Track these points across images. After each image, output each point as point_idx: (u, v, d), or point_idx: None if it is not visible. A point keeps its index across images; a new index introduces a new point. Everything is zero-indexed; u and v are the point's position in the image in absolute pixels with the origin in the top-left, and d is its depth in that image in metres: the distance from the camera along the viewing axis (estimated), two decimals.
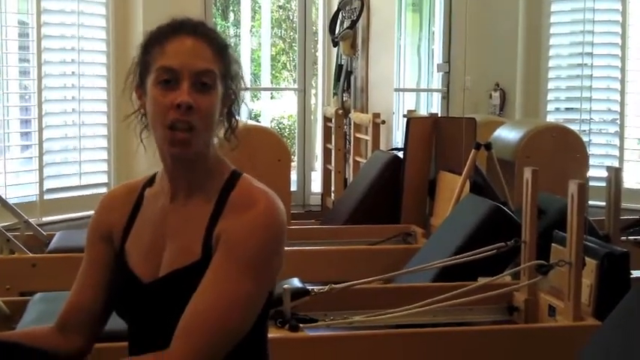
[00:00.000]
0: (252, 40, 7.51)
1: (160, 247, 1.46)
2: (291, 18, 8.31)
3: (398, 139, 5.25)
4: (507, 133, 4.30)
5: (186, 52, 1.42)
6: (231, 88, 1.49)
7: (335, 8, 5.63)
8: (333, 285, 2.69)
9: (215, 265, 1.38)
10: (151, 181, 1.56)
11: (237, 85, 1.50)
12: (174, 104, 1.39)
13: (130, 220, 1.53)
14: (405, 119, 4.69)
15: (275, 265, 1.41)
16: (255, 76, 7.42)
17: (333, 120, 5.57)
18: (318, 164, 6.18)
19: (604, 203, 3.48)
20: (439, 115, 5.02)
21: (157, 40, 1.45)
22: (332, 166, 5.58)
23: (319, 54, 6.19)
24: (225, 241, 1.39)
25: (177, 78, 1.40)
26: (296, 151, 6.03)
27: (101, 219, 1.56)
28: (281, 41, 8.70)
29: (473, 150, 3.84)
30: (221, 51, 1.46)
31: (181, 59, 1.41)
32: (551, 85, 5.15)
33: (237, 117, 1.51)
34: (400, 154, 4.51)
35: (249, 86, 1.49)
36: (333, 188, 5.58)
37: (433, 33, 5.81)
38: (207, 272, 1.38)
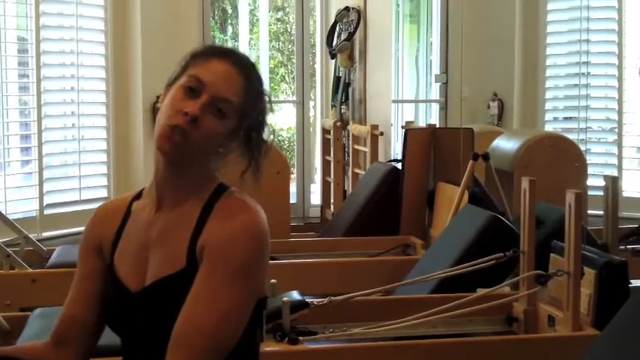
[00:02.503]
0: (251, 53, 7.54)
1: (146, 256, 1.48)
2: (289, 31, 8.35)
3: (396, 150, 5.26)
4: (505, 143, 4.31)
5: (220, 74, 1.46)
6: (251, 131, 1.51)
7: (332, 21, 5.65)
8: (332, 297, 2.69)
9: (202, 274, 1.40)
10: (138, 195, 1.58)
11: (259, 133, 1.53)
12: (184, 110, 1.42)
13: (118, 232, 1.55)
14: (404, 130, 4.71)
15: (261, 271, 1.44)
16: None
17: (331, 132, 5.58)
18: (318, 176, 6.19)
19: (602, 212, 3.48)
20: (437, 126, 5.03)
21: (205, 53, 1.50)
22: (331, 178, 5.59)
23: (317, 66, 6.22)
24: (211, 251, 1.41)
25: (200, 90, 1.44)
26: (295, 163, 6.04)
27: (91, 233, 1.59)
28: (279, 54, 8.73)
29: (471, 160, 3.85)
30: (253, 93, 1.50)
31: (214, 78, 1.45)
32: (548, 94, 5.16)
33: (259, 163, 1.54)
34: (399, 166, 4.52)
35: (271, 138, 1.53)
36: (332, 200, 5.59)
37: (431, 44, 5.82)
38: (195, 282, 1.40)
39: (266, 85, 1.56)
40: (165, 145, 1.43)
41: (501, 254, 2.80)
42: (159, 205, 1.50)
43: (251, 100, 1.50)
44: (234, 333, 1.40)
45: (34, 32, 4.66)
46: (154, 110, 4.74)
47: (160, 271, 1.45)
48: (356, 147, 5.31)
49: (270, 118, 1.56)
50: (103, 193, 5.08)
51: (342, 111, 5.53)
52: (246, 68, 1.50)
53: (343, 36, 5.44)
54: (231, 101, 1.46)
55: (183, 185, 1.48)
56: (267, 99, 1.54)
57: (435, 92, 5.70)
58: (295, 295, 2.70)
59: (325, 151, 5.81)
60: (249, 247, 1.40)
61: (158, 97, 1.58)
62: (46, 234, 4.65)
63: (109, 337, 1.56)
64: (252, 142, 1.52)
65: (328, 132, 5.70)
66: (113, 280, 1.51)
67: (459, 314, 2.66)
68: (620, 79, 4.83)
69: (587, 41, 4.85)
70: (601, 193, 3.65)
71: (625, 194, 4.47)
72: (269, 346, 2.37)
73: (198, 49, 1.52)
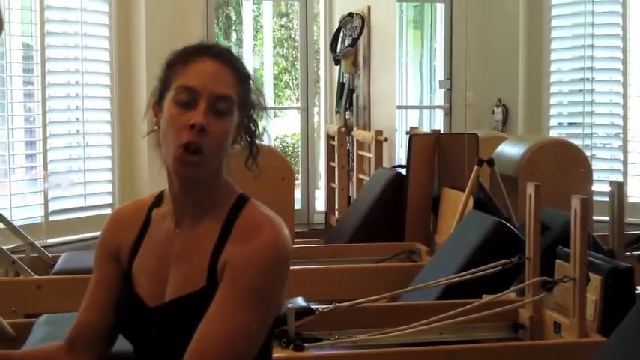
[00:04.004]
0: (255, 59, 7.56)
1: (166, 271, 1.46)
2: (292, 37, 8.35)
3: (401, 156, 5.25)
4: (510, 149, 4.31)
5: (207, 75, 1.42)
6: (249, 117, 1.49)
7: (336, 27, 5.66)
8: (337, 304, 2.68)
9: (221, 293, 1.38)
10: (158, 201, 1.55)
11: (258, 114, 1.50)
12: (189, 124, 1.39)
13: (137, 240, 1.52)
14: (408, 136, 4.70)
15: (279, 292, 1.41)
16: None
17: (336, 138, 5.59)
18: (322, 182, 6.19)
19: (608, 218, 3.47)
20: (442, 132, 5.03)
21: (181, 59, 1.46)
22: (335, 184, 5.59)
23: (321, 72, 6.22)
24: (231, 270, 1.38)
25: (196, 99, 1.40)
26: (299, 169, 6.05)
27: (109, 237, 1.56)
28: (283, 60, 8.73)
29: (476, 166, 3.84)
30: (242, 79, 1.47)
31: (202, 81, 1.41)
32: (553, 100, 5.15)
33: (257, 146, 1.51)
34: (403, 172, 4.51)
35: (269, 114, 1.51)
36: (336, 206, 5.59)
37: (435, 49, 5.82)
38: (213, 300, 1.37)
39: (246, 64, 1.51)
40: (184, 169, 1.40)
41: (507, 260, 2.80)
42: (178, 222, 1.47)
43: (244, 87, 1.47)
44: (247, 353, 1.38)
45: (39, 39, 4.68)
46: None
47: (181, 289, 1.42)
48: (360, 153, 5.30)
49: (255, 97, 1.50)
50: (108, 200, 5.09)
51: (347, 117, 5.53)
52: (228, 58, 1.46)
53: (347, 42, 5.44)
54: (229, 97, 1.43)
55: (202, 200, 1.45)
56: (252, 79, 1.50)
57: (439, 98, 5.69)
58: (300, 301, 2.69)
59: (330, 157, 5.82)
60: (269, 268, 1.38)
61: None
62: (51, 240, 4.66)
63: (122, 344, 1.55)
64: (250, 127, 1.50)
65: (332, 138, 5.70)
66: (129, 290, 1.50)
67: (464, 320, 2.65)
68: (624, 84, 4.83)
69: (592, 47, 4.85)
70: (606, 198, 3.64)
71: (630, 200, 4.46)
72: (274, 353, 2.36)
73: (171, 57, 1.48)
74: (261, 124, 1.52)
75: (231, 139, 1.45)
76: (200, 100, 1.40)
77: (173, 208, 1.48)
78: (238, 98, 1.45)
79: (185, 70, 1.43)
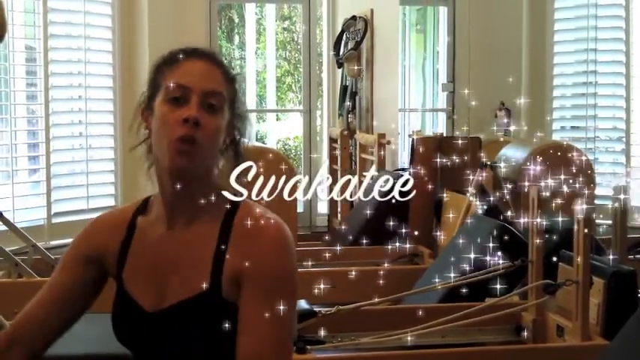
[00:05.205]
0: (258, 62, 7.55)
1: (162, 275, 1.44)
2: (295, 40, 8.35)
3: (403, 159, 5.26)
4: (513, 152, 4.30)
5: (197, 73, 1.43)
6: (237, 123, 1.49)
7: (339, 30, 5.66)
8: (340, 306, 2.68)
9: (249, 302, 1.37)
10: (142, 208, 1.53)
11: (243, 124, 1.51)
12: (181, 119, 1.39)
13: (123, 248, 1.50)
14: (411, 139, 4.70)
15: (297, 284, 1.42)
16: (261, 98, 7.45)
17: (338, 141, 5.59)
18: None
19: (611, 222, 3.47)
20: (444, 135, 5.03)
21: (169, 61, 1.47)
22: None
23: (324, 75, 6.22)
24: (250, 275, 1.37)
25: (187, 95, 1.40)
26: (302, 172, 6.04)
27: (90, 241, 1.54)
28: (286, 63, 8.73)
29: (478, 169, 3.84)
30: (231, 80, 1.48)
31: (192, 78, 1.42)
32: (556, 103, 5.15)
33: (242, 156, 1.51)
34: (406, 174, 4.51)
35: (254, 110, 1.50)
36: (339, 209, 5.59)
37: (437, 53, 5.82)
38: (243, 311, 1.36)
39: (233, 68, 1.53)
40: (180, 160, 1.39)
41: (510, 263, 2.80)
42: (170, 224, 1.46)
43: (233, 87, 1.48)
44: (291, 348, 1.41)
45: (42, 41, 4.69)
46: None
47: (182, 293, 1.40)
48: (363, 156, 5.31)
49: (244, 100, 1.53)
50: (111, 202, 5.09)
51: (349, 120, 5.53)
52: (215, 58, 1.47)
53: (350, 45, 5.45)
54: (220, 93, 1.43)
55: (195, 201, 1.43)
56: (239, 82, 1.51)
57: (441, 101, 5.69)
58: (303, 304, 2.69)
59: (332, 159, 5.82)
60: (285, 265, 1.39)
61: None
62: (53, 242, 4.65)
63: (118, 347, 1.54)
64: (240, 129, 1.50)
65: (335, 141, 5.70)
66: (123, 297, 1.48)
67: (467, 323, 2.65)
68: (627, 87, 4.82)
69: (595, 50, 4.84)
70: (609, 202, 3.64)
71: (633, 203, 4.46)
72: None
73: (159, 60, 1.49)
74: (246, 129, 1.53)
75: (222, 136, 1.45)
76: (192, 96, 1.41)
77: (165, 210, 1.47)
78: (228, 97, 1.45)
79: (174, 70, 1.44)
